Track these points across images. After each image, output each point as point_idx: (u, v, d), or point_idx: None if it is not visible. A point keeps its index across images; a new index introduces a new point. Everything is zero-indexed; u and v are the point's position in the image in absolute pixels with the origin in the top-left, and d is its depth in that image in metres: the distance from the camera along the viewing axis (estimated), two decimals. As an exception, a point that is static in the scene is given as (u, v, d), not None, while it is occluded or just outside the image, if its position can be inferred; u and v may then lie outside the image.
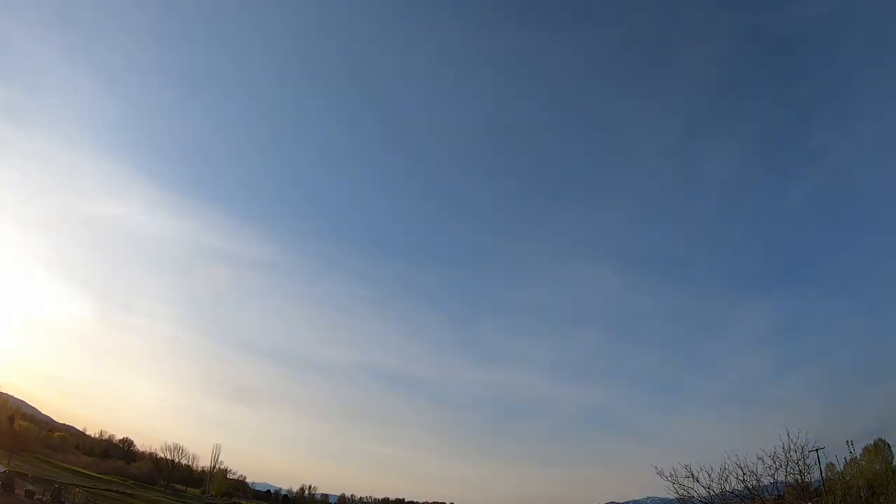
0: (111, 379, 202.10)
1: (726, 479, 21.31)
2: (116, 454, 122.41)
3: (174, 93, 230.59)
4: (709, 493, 21.56)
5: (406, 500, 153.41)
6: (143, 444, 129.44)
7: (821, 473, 34.85)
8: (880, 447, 58.88)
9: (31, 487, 53.88)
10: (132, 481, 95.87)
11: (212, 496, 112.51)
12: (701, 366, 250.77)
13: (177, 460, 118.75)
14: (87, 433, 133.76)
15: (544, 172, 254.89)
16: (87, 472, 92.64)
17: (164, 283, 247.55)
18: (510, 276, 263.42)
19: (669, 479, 22.09)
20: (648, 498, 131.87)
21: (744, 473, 21.04)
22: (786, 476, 20.79)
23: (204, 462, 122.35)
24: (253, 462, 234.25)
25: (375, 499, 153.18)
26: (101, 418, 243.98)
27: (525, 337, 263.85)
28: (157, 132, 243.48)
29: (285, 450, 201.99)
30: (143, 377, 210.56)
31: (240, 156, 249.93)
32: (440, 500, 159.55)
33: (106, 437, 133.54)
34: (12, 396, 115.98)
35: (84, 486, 66.15)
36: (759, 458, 20.96)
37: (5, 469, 59.48)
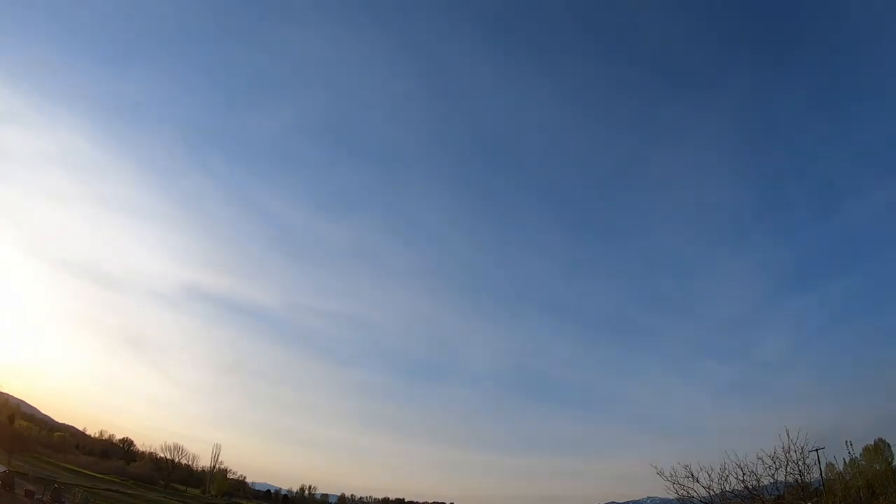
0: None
1: (726, 479, 21.36)
2: (116, 454, 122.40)
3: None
4: (709, 493, 21.59)
5: (406, 500, 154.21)
6: (143, 444, 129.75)
7: (821, 473, 34.85)
8: (880, 447, 59.02)
9: (31, 487, 53.89)
10: (132, 481, 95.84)
11: (212, 496, 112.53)
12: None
13: (177, 460, 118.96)
14: (87, 433, 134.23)
15: None
16: (87, 472, 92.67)
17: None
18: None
19: (669, 479, 22.14)
20: (648, 498, 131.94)
21: (744, 473, 21.09)
22: (786, 476, 20.82)
23: (204, 462, 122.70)
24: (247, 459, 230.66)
25: (375, 499, 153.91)
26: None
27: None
28: None
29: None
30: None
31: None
32: (440, 500, 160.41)
33: (106, 437, 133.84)
34: (12, 396, 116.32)
35: (84, 486, 66.14)
36: (759, 458, 21.03)
37: (5, 469, 59.41)
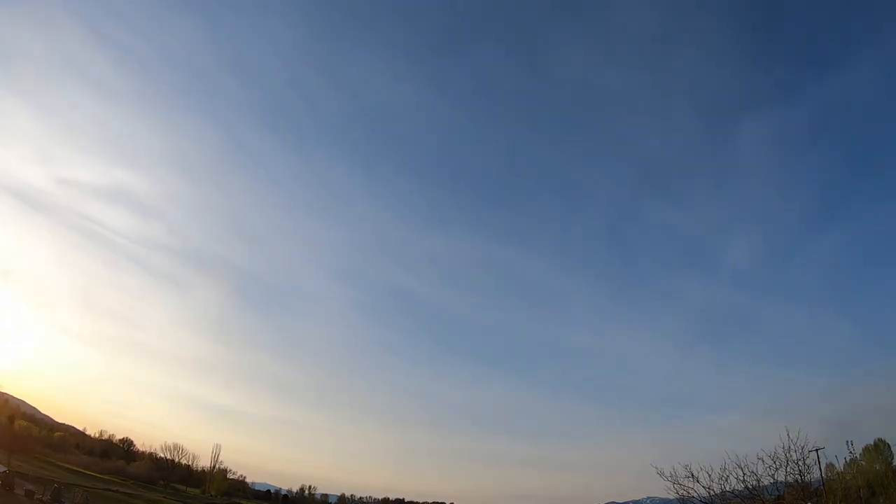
0: None
1: (726, 479, 21.40)
2: (116, 454, 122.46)
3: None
4: (709, 493, 21.61)
5: (406, 501, 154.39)
6: (143, 444, 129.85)
7: (821, 473, 34.84)
8: (880, 447, 59.06)
9: (31, 487, 53.86)
10: (132, 481, 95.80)
11: (212, 496, 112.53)
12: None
13: (177, 460, 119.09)
14: (87, 433, 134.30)
15: None
16: (87, 472, 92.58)
17: None
18: None
19: (669, 479, 22.17)
20: (648, 498, 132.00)
21: (744, 473, 21.13)
22: (786, 476, 20.84)
23: (204, 462, 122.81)
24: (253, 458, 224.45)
25: (375, 499, 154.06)
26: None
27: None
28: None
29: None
30: None
31: None
32: (440, 500, 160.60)
33: (106, 437, 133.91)
34: (12, 396, 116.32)
35: (84, 486, 66.12)
36: (759, 458, 21.06)
37: (5, 469, 59.41)
